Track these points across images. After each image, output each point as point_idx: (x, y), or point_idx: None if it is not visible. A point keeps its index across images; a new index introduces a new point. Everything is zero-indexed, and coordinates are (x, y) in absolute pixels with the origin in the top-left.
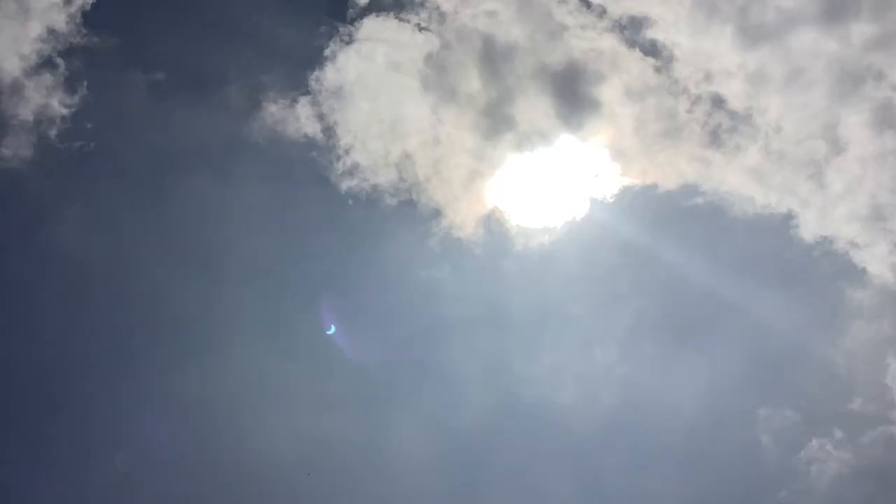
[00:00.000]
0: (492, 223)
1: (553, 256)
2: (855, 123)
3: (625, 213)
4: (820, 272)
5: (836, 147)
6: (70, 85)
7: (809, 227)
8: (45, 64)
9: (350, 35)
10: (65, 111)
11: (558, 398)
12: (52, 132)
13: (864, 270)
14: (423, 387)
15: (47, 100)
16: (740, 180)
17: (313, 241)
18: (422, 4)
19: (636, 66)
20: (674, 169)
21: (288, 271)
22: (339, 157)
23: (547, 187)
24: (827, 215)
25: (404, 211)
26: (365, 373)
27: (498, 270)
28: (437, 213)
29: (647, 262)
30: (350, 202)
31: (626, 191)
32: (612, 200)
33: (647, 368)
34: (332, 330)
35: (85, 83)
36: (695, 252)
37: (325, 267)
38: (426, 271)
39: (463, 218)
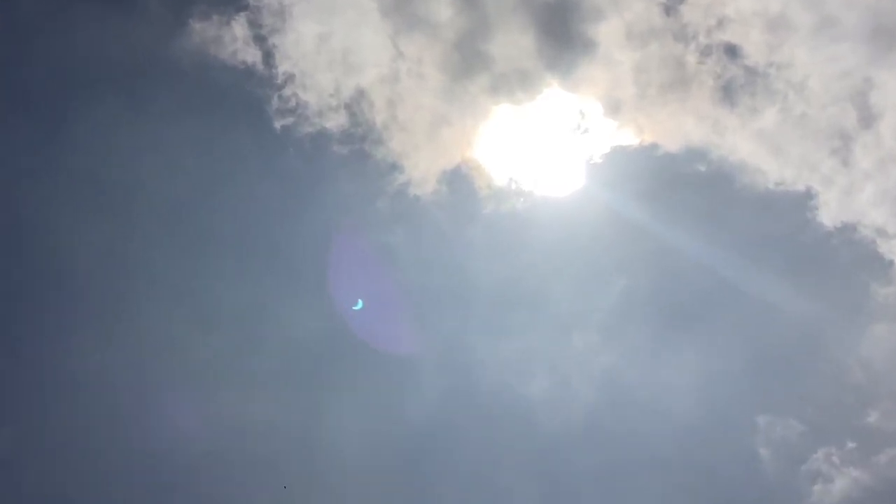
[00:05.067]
0: (457, 181)
1: (528, 224)
2: (892, 88)
3: (616, 177)
4: (839, 262)
5: (868, 115)
6: None
7: (831, 210)
8: None
9: None
10: None
11: (527, 390)
12: None
13: (891, 263)
14: (367, 370)
15: None
16: (754, 148)
17: (242, 187)
18: None
19: (640, 3)
20: (677, 128)
21: (209, 221)
22: (278, 89)
23: (525, 141)
24: (852, 197)
25: (354, 161)
26: (299, 349)
27: (462, 237)
28: (393, 167)
29: (639, 236)
30: (291, 149)
31: (619, 150)
32: (601, 161)
33: (632, 361)
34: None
35: None
36: (695, 228)
37: (254, 220)
38: (376, 234)
39: (423, 173)
